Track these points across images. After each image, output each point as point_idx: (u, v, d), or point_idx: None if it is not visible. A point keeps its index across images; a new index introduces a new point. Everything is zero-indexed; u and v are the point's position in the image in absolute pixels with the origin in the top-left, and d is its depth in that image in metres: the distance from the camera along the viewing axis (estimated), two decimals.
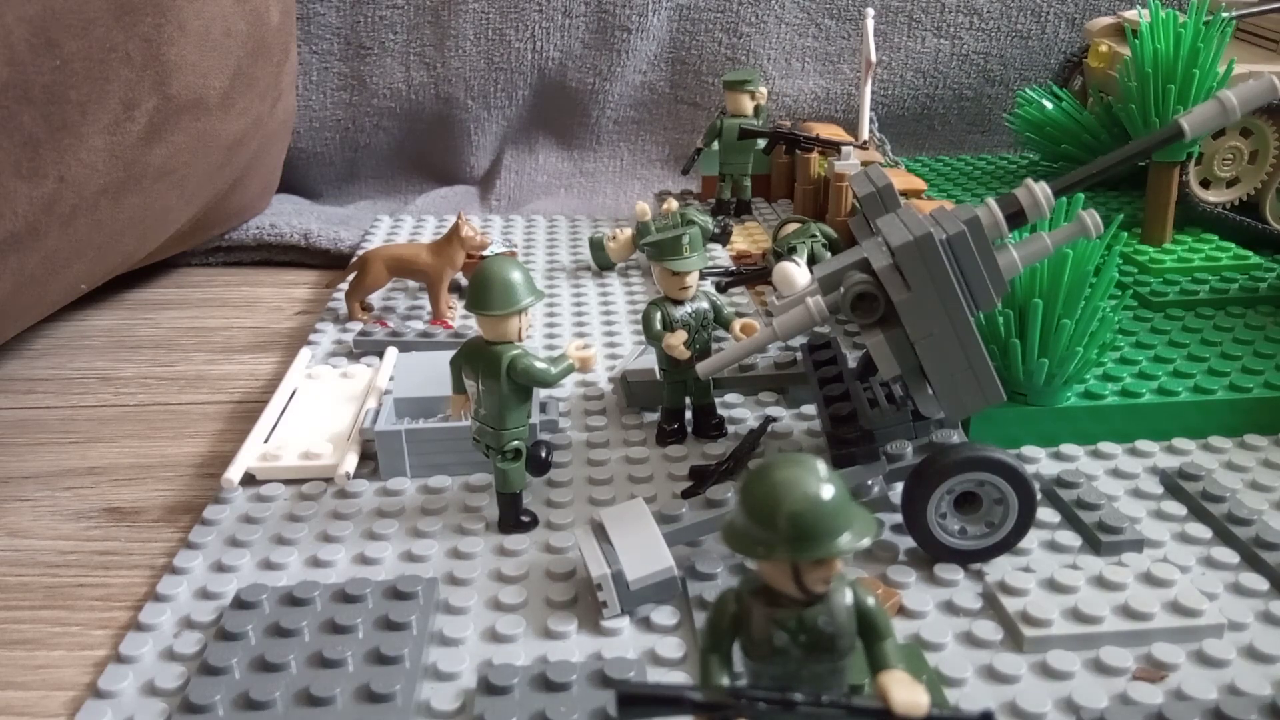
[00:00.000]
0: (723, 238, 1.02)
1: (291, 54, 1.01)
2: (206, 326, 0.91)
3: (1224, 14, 0.84)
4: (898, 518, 0.55)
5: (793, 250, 0.85)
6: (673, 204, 0.98)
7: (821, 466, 0.34)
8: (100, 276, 0.87)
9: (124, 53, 0.75)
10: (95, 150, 0.74)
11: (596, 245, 0.98)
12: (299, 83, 1.22)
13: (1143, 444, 0.65)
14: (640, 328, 0.66)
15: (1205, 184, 0.92)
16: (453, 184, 1.29)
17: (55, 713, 0.47)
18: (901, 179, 0.91)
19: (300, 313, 0.94)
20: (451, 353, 0.58)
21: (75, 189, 0.74)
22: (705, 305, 0.65)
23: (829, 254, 0.85)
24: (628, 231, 0.98)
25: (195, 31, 0.81)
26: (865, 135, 1.04)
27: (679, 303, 0.64)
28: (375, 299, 0.91)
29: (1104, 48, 0.99)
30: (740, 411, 0.70)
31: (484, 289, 0.54)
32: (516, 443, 0.56)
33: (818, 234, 0.88)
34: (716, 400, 0.68)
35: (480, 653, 0.48)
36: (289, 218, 1.09)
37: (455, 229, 0.85)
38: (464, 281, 0.91)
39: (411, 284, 0.94)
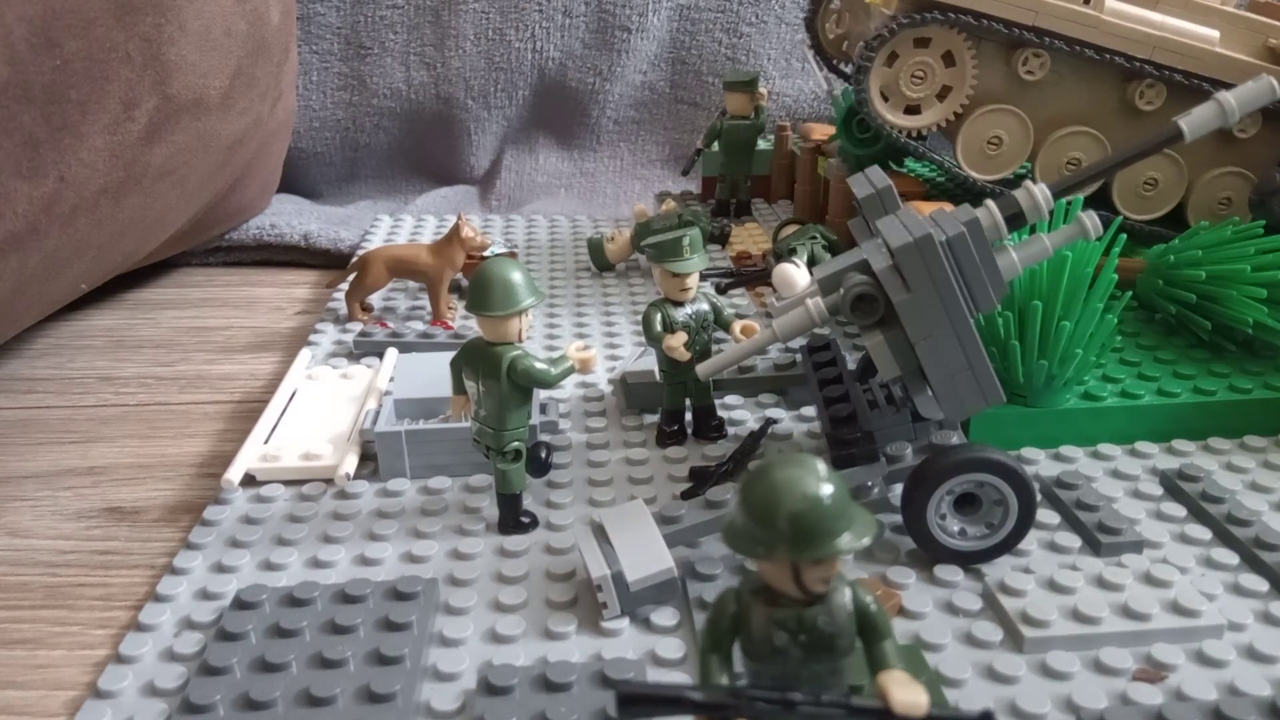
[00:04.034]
0: (721, 239, 1.03)
1: (292, 54, 1.02)
2: (206, 326, 0.91)
3: None
4: (898, 519, 0.55)
5: (793, 251, 0.85)
6: (671, 204, 0.98)
7: (821, 466, 0.34)
8: (100, 276, 0.87)
9: (124, 52, 0.75)
10: (95, 150, 0.74)
11: (595, 246, 0.98)
12: (299, 83, 1.22)
13: (1142, 445, 0.65)
14: (640, 329, 0.66)
15: (885, 98, 0.82)
16: (453, 184, 1.29)
17: (55, 712, 0.47)
18: (901, 181, 0.91)
19: (300, 313, 0.94)
20: (452, 354, 0.58)
21: (75, 189, 0.74)
22: (705, 307, 0.65)
23: (829, 255, 0.85)
24: (626, 233, 0.98)
25: (195, 31, 0.81)
26: None
27: (679, 304, 0.64)
28: (375, 300, 0.91)
29: None
30: (740, 413, 0.70)
31: (484, 290, 0.54)
32: (516, 444, 0.56)
33: (818, 235, 0.88)
34: (716, 402, 0.68)
35: (480, 653, 0.48)
36: (289, 218, 1.09)
37: (455, 229, 0.85)
38: (465, 282, 0.91)
39: (412, 284, 0.94)
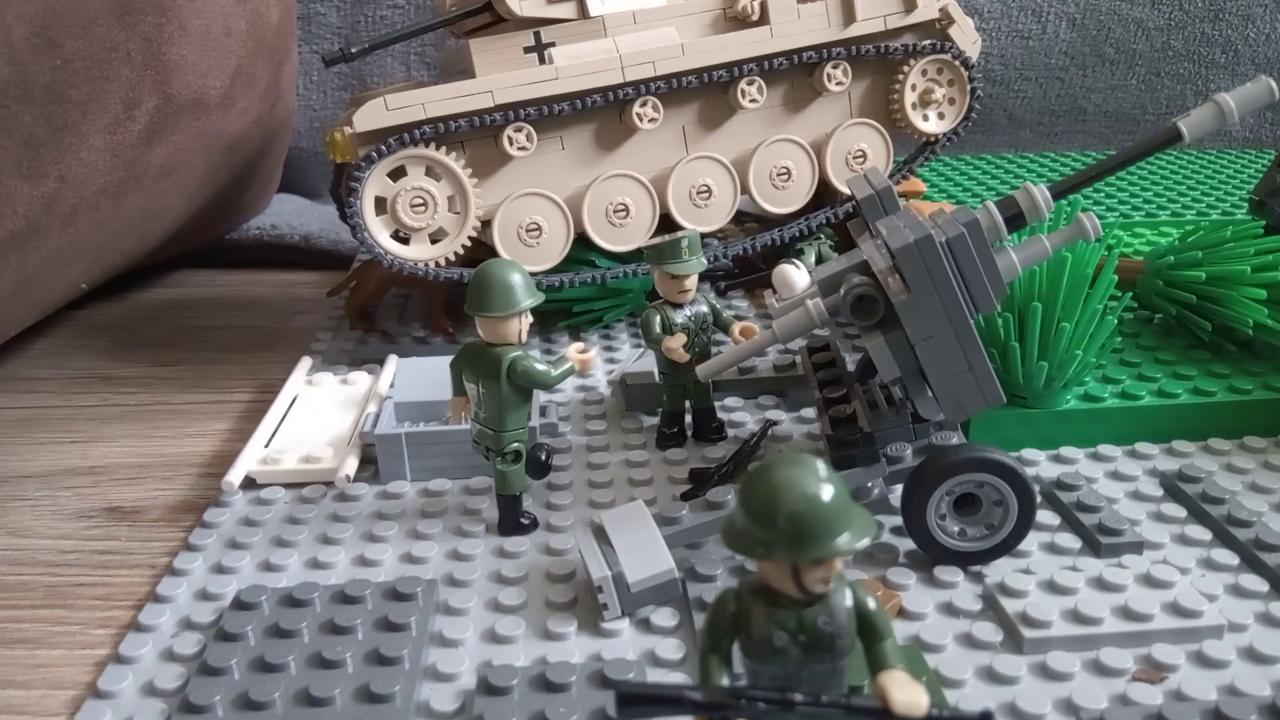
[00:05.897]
0: None
1: (292, 54, 1.02)
2: (207, 326, 0.91)
3: None
4: (898, 519, 0.55)
5: (800, 253, 0.85)
6: None
7: (821, 467, 0.34)
8: (101, 276, 0.87)
9: (124, 52, 0.75)
10: (96, 150, 0.74)
11: None
12: (299, 83, 1.22)
13: (1142, 446, 0.65)
14: (639, 331, 0.66)
15: (421, 242, 0.75)
16: None
17: (55, 712, 0.47)
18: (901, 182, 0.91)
19: (301, 313, 0.94)
20: (451, 357, 0.58)
21: (76, 188, 0.74)
22: (704, 308, 0.65)
23: (836, 255, 0.85)
24: None
25: (196, 31, 0.81)
26: None
27: (678, 306, 0.64)
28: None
29: None
30: (740, 414, 0.70)
31: (484, 291, 0.54)
32: (516, 445, 0.56)
33: (823, 236, 0.88)
34: (716, 403, 0.68)
35: (480, 654, 0.48)
36: (289, 218, 1.09)
37: None
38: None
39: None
